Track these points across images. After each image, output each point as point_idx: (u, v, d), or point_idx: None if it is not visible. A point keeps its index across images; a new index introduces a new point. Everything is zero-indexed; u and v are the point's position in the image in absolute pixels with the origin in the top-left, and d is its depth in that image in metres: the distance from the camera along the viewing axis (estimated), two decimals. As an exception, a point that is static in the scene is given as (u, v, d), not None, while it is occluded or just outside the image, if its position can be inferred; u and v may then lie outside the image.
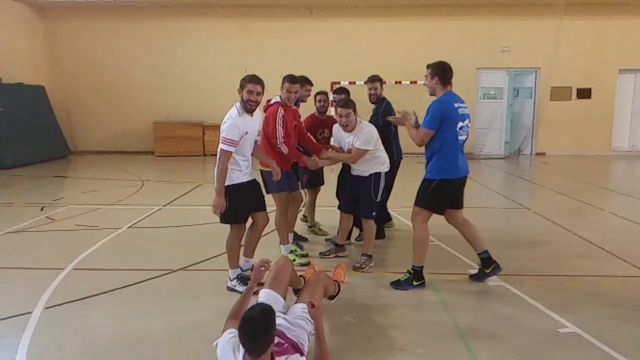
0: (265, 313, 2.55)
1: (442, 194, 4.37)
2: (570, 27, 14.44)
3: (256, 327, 2.46)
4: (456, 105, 4.29)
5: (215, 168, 4.17)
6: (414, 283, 4.49)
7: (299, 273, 4.02)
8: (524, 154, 15.32)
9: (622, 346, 3.42)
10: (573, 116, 15.02)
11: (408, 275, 4.54)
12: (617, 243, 5.85)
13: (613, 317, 3.92)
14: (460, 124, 4.29)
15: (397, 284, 4.54)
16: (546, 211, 7.55)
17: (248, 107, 4.19)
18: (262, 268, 3.37)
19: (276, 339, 2.70)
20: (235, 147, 4.07)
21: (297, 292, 3.96)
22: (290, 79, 4.90)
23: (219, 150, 4.11)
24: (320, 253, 5.40)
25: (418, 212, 4.47)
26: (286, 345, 2.76)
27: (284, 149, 4.85)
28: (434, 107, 4.27)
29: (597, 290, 4.47)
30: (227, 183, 4.16)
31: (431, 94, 4.42)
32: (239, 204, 4.24)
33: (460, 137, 4.33)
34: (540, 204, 8.53)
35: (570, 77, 14.94)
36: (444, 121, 4.22)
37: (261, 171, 5.05)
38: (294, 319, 3.05)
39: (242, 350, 2.55)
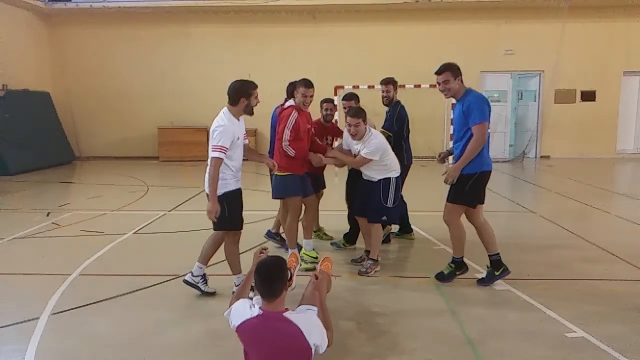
0: (277, 258, 2.89)
1: (481, 187, 4.46)
2: (574, 29, 14.41)
3: (270, 268, 2.74)
4: None
5: (206, 175, 4.18)
6: (457, 273, 4.66)
7: None
8: (529, 157, 15.29)
9: (630, 351, 3.39)
10: (577, 119, 14.97)
11: (451, 268, 4.67)
12: (624, 246, 5.81)
13: (620, 321, 3.89)
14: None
15: (441, 277, 4.69)
16: (552, 214, 7.52)
17: (252, 112, 4.26)
18: (261, 254, 3.48)
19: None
20: (225, 154, 4.08)
21: None
22: (306, 83, 4.92)
23: (209, 158, 4.12)
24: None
25: (453, 209, 4.52)
26: None
27: (290, 152, 4.85)
28: (476, 101, 4.31)
29: (604, 294, 4.45)
30: (224, 190, 4.17)
31: (451, 96, 4.48)
32: (237, 210, 4.28)
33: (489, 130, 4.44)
34: (546, 207, 8.49)
35: (575, 80, 14.91)
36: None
37: (276, 176, 5.06)
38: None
39: (257, 305, 2.77)
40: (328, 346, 2.84)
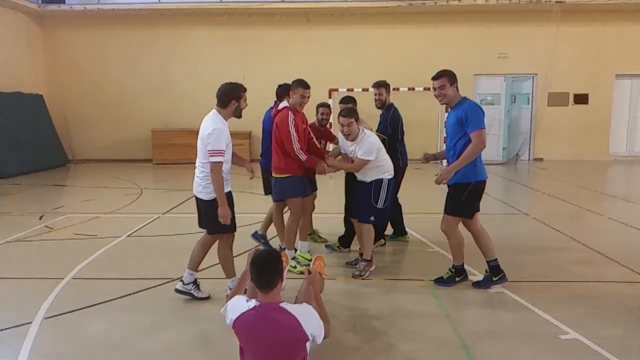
0: (272, 250, 2.96)
1: (476, 197, 4.46)
2: (567, 33, 14.53)
3: (266, 260, 2.78)
4: None
5: (196, 179, 4.18)
6: (457, 279, 4.66)
7: None
8: (522, 160, 15.36)
9: (624, 353, 3.41)
10: (570, 121, 15.08)
11: (450, 273, 4.68)
12: (616, 248, 5.85)
13: (613, 323, 3.92)
14: None
15: (440, 282, 4.70)
16: (545, 217, 7.56)
17: (241, 115, 4.28)
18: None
19: None
20: (223, 157, 4.09)
21: None
22: (303, 84, 4.93)
23: (200, 162, 4.12)
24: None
25: (451, 220, 4.51)
26: None
27: (302, 157, 4.85)
28: (472, 108, 4.31)
29: (597, 296, 4.47)
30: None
31: (446, 103, 4.48)
32: (231, 213, 4.26)
33: None
34: (539, 209, 8.54)
35: (568, 83, 15.01)
36: None
37: (275, 178, 5.06)
38: None
39: (253, 300, 2.79)
40: (325, 337, 2.86)
